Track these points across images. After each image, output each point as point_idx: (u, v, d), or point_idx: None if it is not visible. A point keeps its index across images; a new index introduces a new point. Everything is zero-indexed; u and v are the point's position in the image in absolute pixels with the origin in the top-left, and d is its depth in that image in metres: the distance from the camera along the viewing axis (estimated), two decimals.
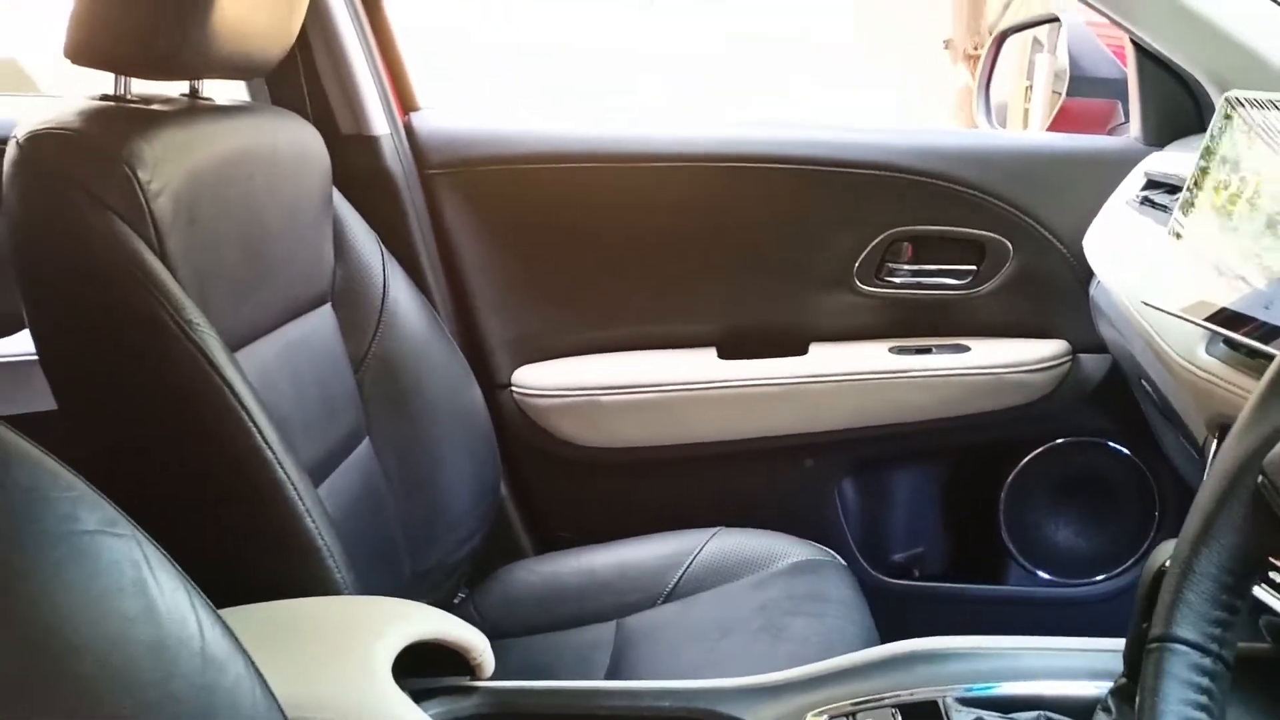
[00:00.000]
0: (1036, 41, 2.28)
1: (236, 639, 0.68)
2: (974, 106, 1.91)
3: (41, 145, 1.00)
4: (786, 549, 1.47)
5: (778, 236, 1.65)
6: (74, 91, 1.12)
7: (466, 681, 0.96)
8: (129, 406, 1.02)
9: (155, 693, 0.61)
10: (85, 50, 1.05)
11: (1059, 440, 1.71)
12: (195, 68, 1.11)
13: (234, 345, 1.08)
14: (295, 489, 1.02)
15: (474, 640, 0.95)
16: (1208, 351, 0.98)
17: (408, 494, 1.38)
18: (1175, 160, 1.39)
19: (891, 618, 1.41)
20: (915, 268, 1.66)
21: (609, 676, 1.30)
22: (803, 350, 1.67)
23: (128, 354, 1.00)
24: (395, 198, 1.57)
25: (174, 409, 1.00)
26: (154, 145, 1.02)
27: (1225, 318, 0.91)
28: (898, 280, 1.66)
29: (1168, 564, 0.61)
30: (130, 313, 0.98)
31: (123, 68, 1.08)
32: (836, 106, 6.76)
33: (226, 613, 0.69)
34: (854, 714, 0.88)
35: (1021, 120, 2.40)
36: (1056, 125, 1.79)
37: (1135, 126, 1.59)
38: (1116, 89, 1.66)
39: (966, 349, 1.65)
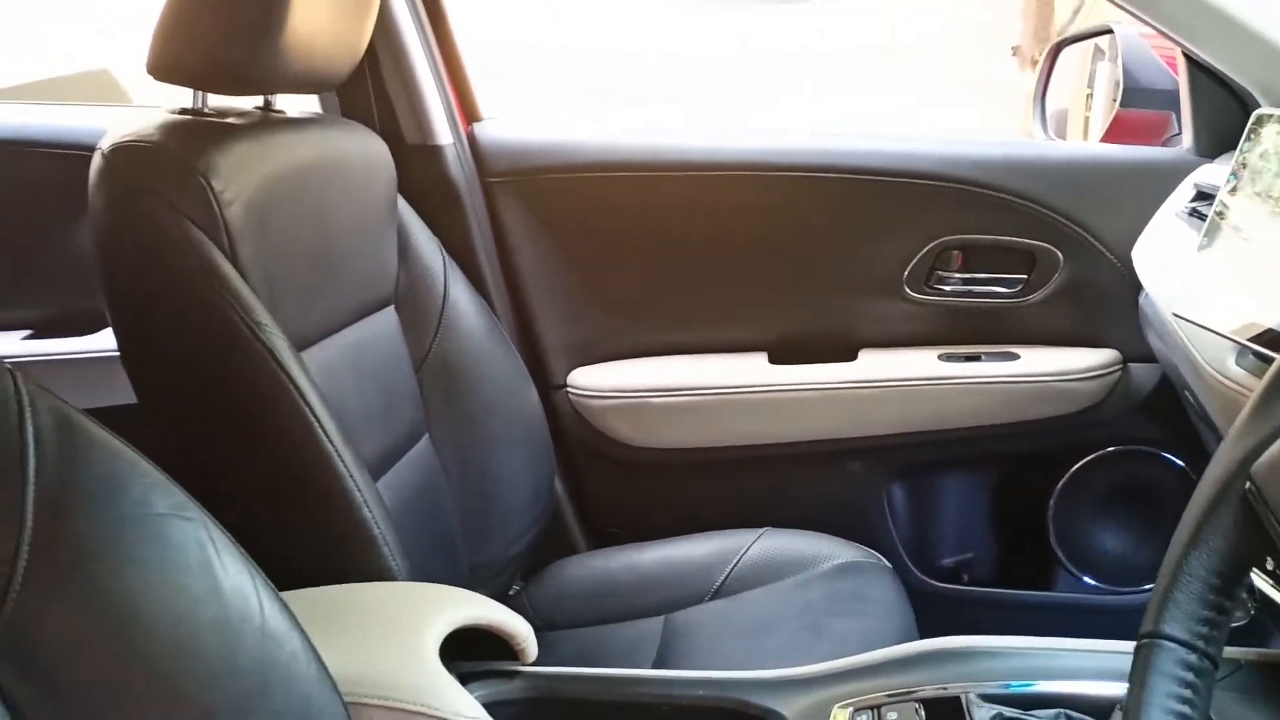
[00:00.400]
0: (1098, 49, 2.28)
1: (294, 618, 0.73)
2: (1031, 115, 1.92)
3: (124, 156, 1.07)
4: (832, 550, 1.50)
5: (829, 244, 1.68)
6: (162, 102, 1.20)
7: (511, 666, 1.01)
8: (202, 401, 1.09)
9: (218, 664, 0.67)
10: (165, 67, 1.12)
11: (1110, 449, 1.72)
12: (267, 84, 1.18)
13: (301, 345, 1.14)
14: (354, 481, 1.08)
15: (518, 627, 1.00)
16: (1237, 363, 1.00)
17: (465, 489, 1.43)
18: (1226, 172, 1.40)
19: (939, 621, 1.43)
20: (965, 276, 1.68)
21: (654, 669, 1.34)
22: (852, 356, 1.70)
23: (201, 352, 1.07)
24: (457, 205, 1.63)
25: (242, 405, 1.07)
26: (228, 157, 1.08)
27: (1271, 338, 0.92)
28: (947, 288, 1.68)
29: None
30: (204, 314, 1.05)
31: (200, 83, 1.15)
32: (903, 114, 6.75)
33: (287, 595, 0.74)
34: (879, 708, 0.91)
35: (1082, 128, 2.39)
36: (1111, 136, 1.80)
37: (1187, 138, 1.60)
38: (1170, 100, 1.66)
39: (1016, 357, 1.67)
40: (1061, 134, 2.36)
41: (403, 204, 1.43)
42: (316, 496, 1.07)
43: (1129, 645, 0.94)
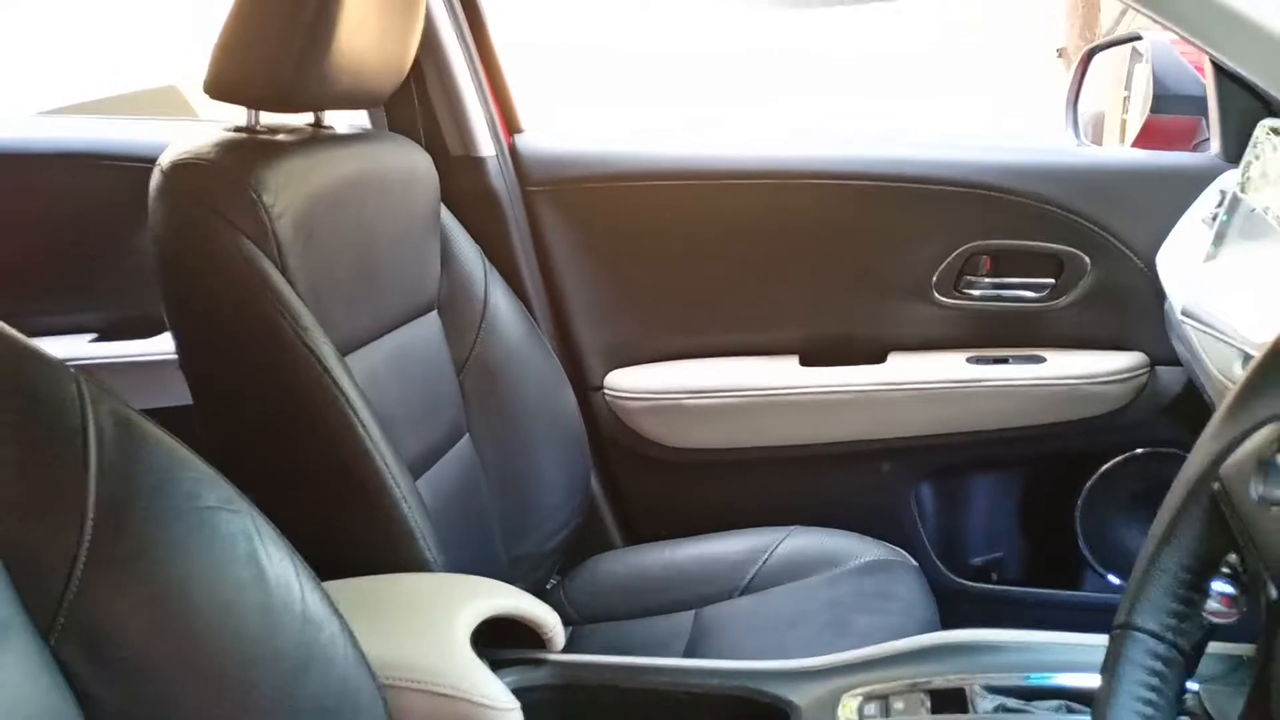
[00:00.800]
0: (1136, 52, 2.28)
1: (333, 605, 0.79)
2: (1063, 121, 1.94)
3: (181, 173, 1.14)
4: (859, 548, 1.54)
5: (860, 250, 1.72)
6: (224, 117, 1.26)
7: (538, 654, 1.07)
8: (252, 403, 1.16)
9: (262, 647, 0.73)
10: (221, 87, 1.19)
11: (1137, 450, 1.73)
12: (316, 102, 1.25)
13: (346, 349, 1.21)
14: (394, 479, 1.14)
15: (546, 617, 1.06)
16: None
17: (504, 487, 1.49)
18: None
19: (967, 620, 1.45)
20: (994, 280, 1.71)
21: None
22: (882, 359, 1.73)
23: (251, 356, 1.14)
24: (499, 214, 1.69)
25: (289, 406, 1.14)
26: (277, 173, 1.15)
27: None
28: (976, 293, 1.71)
29: None
30: (254, 321, 1.12)
31: (252, 103, 1.22)
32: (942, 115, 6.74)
33: (328, 585, 0.80)
34: (886, 697, 0.96)
35: (1119, 131, 2.40)
36: (1142, 141, 1.81)
37: (1215, 143, 1.61)
38: (1200, 105, 1.68)
39: (1043, 360, 1.69)
40: (1098, 137, 2.37)
41: (445, 213, 1.49)
42: (357, 493, 1.14)
43: None
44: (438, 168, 1.46)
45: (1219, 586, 0.77)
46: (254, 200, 1.11)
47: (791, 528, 1.59)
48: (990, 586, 1.81)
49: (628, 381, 1.77)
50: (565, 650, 1.10)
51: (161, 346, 1.63)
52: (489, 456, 1.48)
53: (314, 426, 1.13)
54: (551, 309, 1.77)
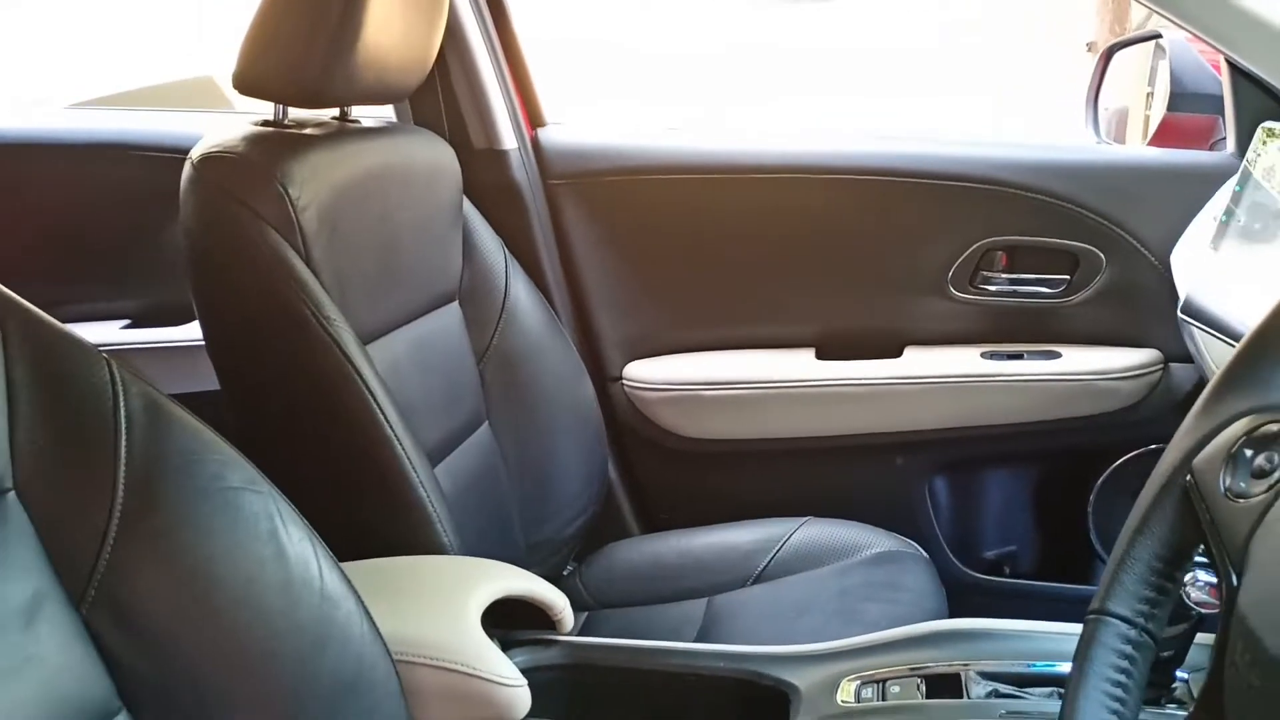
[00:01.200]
0: (1159, 48, 2.28)
1: (350, 584, 0.83)
2: (1083, 118, 1.95)
3: (210, 166, 1.18)
4: (871, 539, 1.56)
5: (876, 245, 1.74)
6: (258, 108, 1.30)
7: (548, 635, 1.10)
8: (276, 390, 1.20)
9: (281, 621, 0.77)
10: (249, 82, 1.23)
11: (1150, 446, 1.74)
12: (341, 99, 1.29)
13: (368, 338, 1.24)
14: (412, 464, 1.18)
15: (555, 599, 1.09)
16: None
17: (522, 474, 1.52)
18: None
19: (980, 613, 1.48)
20: (1009, 276, 1.72)
21: None
22: (898, 353, 1.75)
23: (276, 343, 1.18)
24: (520, 206, 1.72)
25: (312, 392, 1.18)
26: (303, 166, 1.19)
27: None
28: (991, 288, 1.72)
29: None
30: (280, 310, 1.16)
31: (279, 99, 1.26)
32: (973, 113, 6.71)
33: (346, 565, 0.84)
34: (884, 682, 0.98)
35: (1142, 127, 2.40)
36: (1159, 139, 1.82)
37: (1230, 141, 1.62)
38: (1217, 104, 1.68)
39: (1057, 355, 1.71)
40: (1121, 133, 2.37)
41: (468, 205, 1.52)
42: (377, 478, 1.17)
43: None
44: (461, 160, 1.49)
45: (1205, 577, 0.80)
46: (280, 193, 1.15)
47: (804, 518, 1.62)
48: (1003, 580, 1.83)
49: (646, 372, 1.80)
50: (581, 634, 1.13)
51: (191, 333, 1.67)
52: (508, 445, 1.52)
53: (335, 413, 1.17)
54: (571, 300, 1.80)
